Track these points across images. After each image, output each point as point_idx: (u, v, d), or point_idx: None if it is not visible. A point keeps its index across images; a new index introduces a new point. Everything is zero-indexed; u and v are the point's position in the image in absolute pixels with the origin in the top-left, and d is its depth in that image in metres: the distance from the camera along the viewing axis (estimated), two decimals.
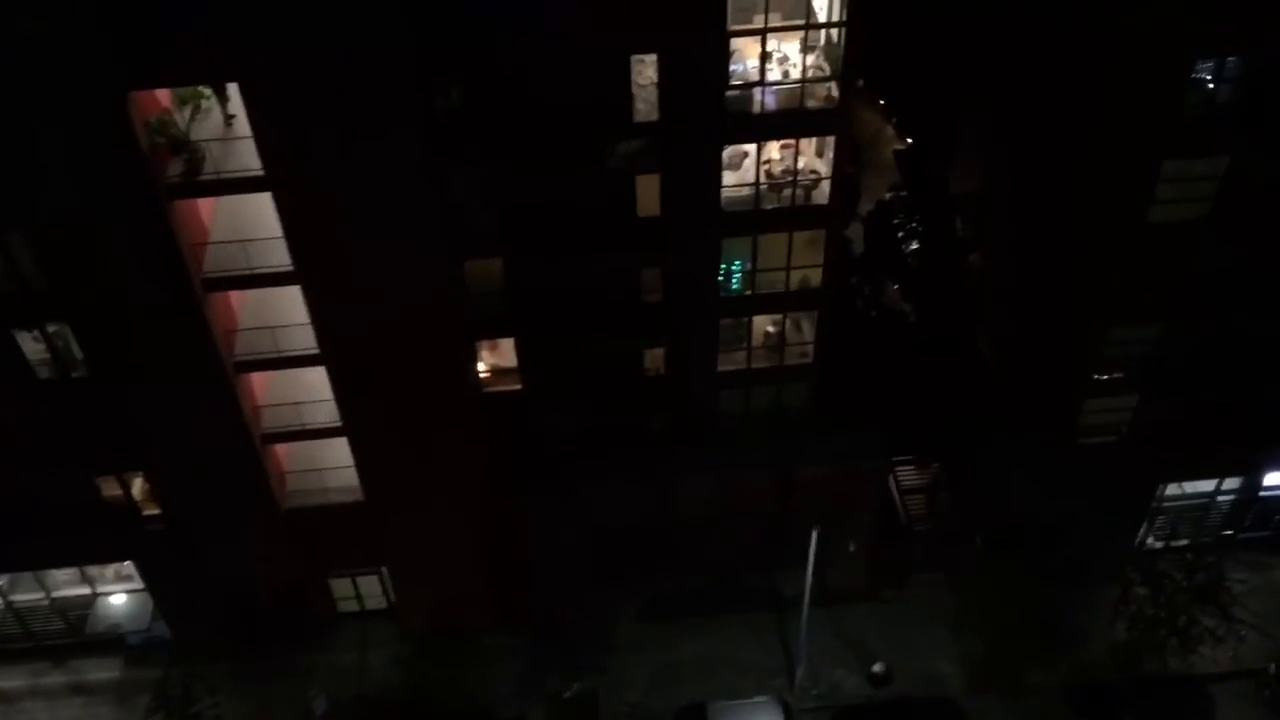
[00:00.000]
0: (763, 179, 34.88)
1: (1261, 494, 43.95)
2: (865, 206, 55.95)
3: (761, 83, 32.61)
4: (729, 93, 32.51)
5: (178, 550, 39.68)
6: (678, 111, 32.27)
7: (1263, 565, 44.48)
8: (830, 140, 34.28)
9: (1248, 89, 33.24)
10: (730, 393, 40.07)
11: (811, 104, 33.16)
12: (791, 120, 33.39)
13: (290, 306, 34.65)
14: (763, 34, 31.62)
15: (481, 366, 38.65)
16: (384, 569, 42.36)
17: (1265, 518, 44.75)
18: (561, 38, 30.24)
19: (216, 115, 32.19)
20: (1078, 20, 36.01)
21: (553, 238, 34.63)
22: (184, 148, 31.21)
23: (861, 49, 31.87)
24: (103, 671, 42.90)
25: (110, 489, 38.26)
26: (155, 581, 41.41)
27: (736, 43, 32.06)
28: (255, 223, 33.26)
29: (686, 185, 34.07)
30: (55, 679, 42.81)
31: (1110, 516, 43.08)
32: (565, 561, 42.03)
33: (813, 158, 35.43)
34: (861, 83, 54.35)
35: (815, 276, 37.21)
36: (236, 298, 35.70)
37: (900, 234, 54.14)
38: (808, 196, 35.33)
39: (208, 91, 32.02)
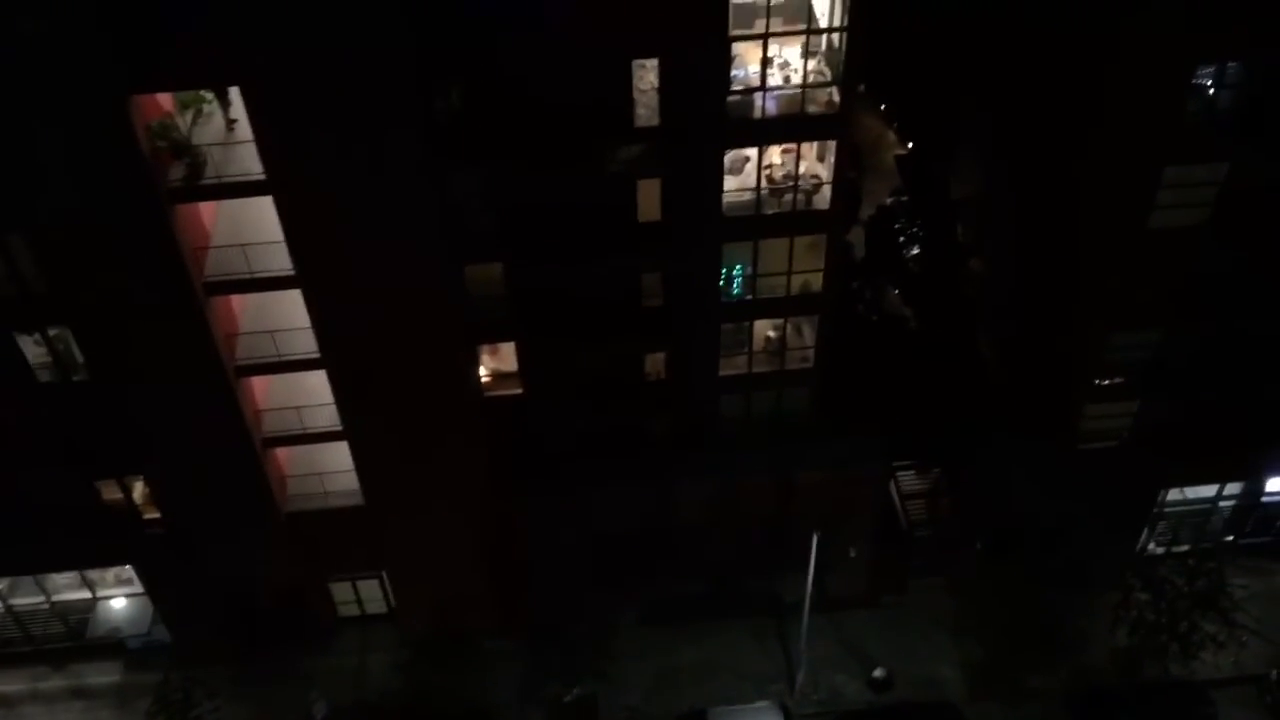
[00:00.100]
0: (764, 184, 34.87)
1: (1263, 499, 43.93)
2: (866, 211, 55.90)
3: (763, 88, 32.63)
4: (730, 97, 32.53)
5: (178, 554, 39.66)
6: (679, 116, 32.29)
7: (1264, 571, 44.45)
8: (831, 145, 34.28)
9: (1248, 95, 33.24)
10: (731, 397, 40.06)
11: (812, 109, 33.17)
12: (793, 125, 33.40)
13: (291, 310, 34.66)
14: (764, 39, 31.63)
15: (482, 370, 38.64)
16: (384, 573, 42.35)
17: (1266, 523, 44.72)
18: (563, 41, 30.27)
19: (218, 119, 32.23)
20: (1078, 26, 36.03)
21: (554, 242, 34.64)
22: (186, 152, 31.23)
23: (863, 54, 31.88)
24: (103, 675, 42.87)
25: (111, 492, 38.25)
26: (155, 585, 41.41)
27: (738, 47, 32.08)
28: (256, 227, 33.29)
29: (688, 190, 34.09)
30: (55, 683, 42.80)
31: (1111, 522, 43.06)
32: (565, 566, 42.00)
33: (814, 162, 35.45)
34: (862, 88, 54.38)
35: (816, 281, 37.22)
36: (237, 301, 35.72)
37: (901, 239, 54.11)
38: (809, 201, 35.35)
39: (209, 95, 32.04)
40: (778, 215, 35.34)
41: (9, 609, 42.40)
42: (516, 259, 35.10)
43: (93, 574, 42.41)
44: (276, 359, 35.33)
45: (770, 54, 32.26)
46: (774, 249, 36.22)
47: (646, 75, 31.89)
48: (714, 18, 30.54)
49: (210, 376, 34.54)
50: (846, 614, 43.62)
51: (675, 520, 41.36)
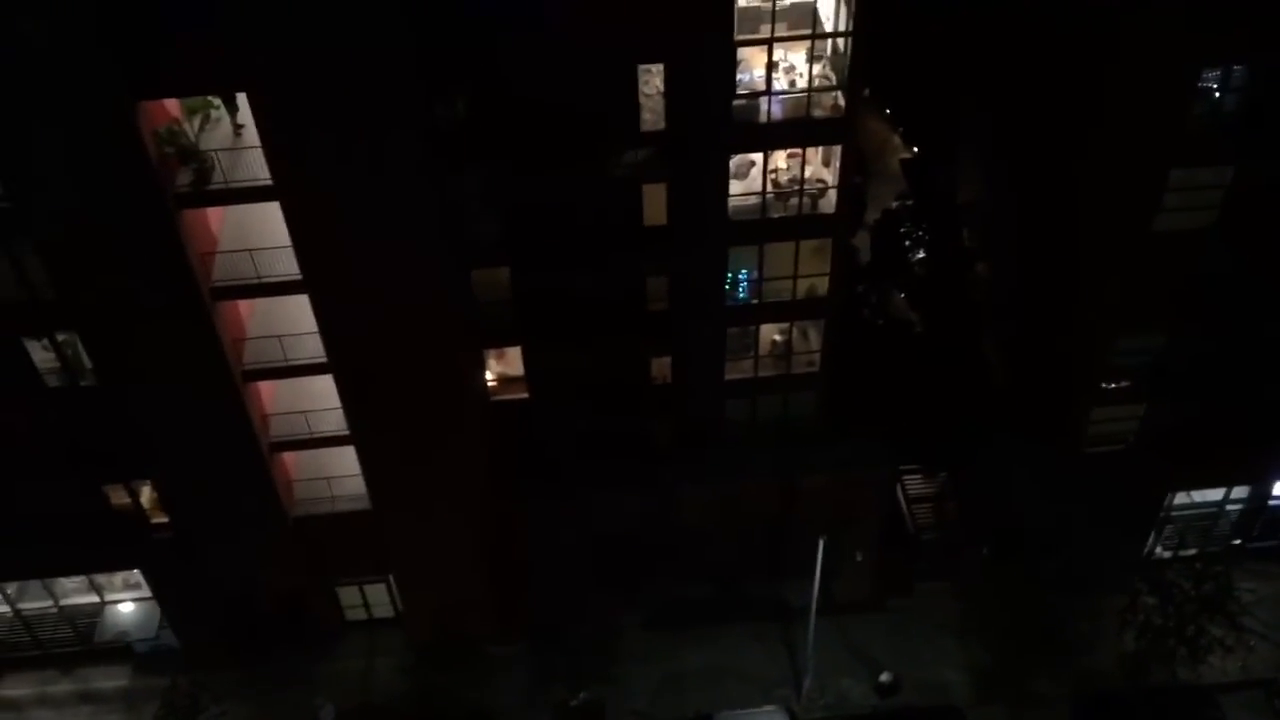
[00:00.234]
0: (769, 188, 34.93)
1: (1270, 503, 43.81)
2: (872, 215, 55.88)
3: (768, 92, 32.69)
4: (735, 102, 32.60)
5: (186, 558, 39.73)
6: (685, 121, 32.36)
7: (1272, 575, 44.31)
8: (836, 149, 34.34)
9: (1253, 97, 33.22)
10: (737, 401, 40.08)
11: (818, 113, 33.22)
12: (798, 129, 33.46)
13: (298, 315, 34.73)
14: (769, 43, 31.70)
15: (489, 375, 38.70)
16: (391, 577, 42.39)
17: (1274, 527, 44.59)
18: (568, 46, 30.34)
19: (225, 125, 32.33)
20: (1083, 28, 36.05)
21: (560, 246, 34.73)
22: (193, 157, 31.33)
23: (867, 58, 31.93)
24: (110, 679, 42.94)
25: (118, 497, 38.35)
26: (163, 589, 41.49)
27: (743, 52, 32.14)
28: (263, 232, 33.38)
29: (693, 194, 34.14)
30: (63, 687, 42.87)
31: (1118, 525, 42.99)
32: (572, 570, 42.02)
33: (819, 167, 35.51)
34: (868, 92, 54.42)
35: (822, 285, 37.26)
36: (245, 306, 35.81)
37: (907, 243, 54.13)
38: (814, 205, 35.40)
39: (216, 101, 32.15)
40: (783, 219, 35.39)
41: (17, 613, 42.48)
42: (522, 263, 35.17)
43: (100, 578, 42.49)
44: (284, 363, 35.40)
45: (775, 58, 32.34)
46: (779, 253, 36.26)
47: (652, 80, 31.98)
48: (719, 22, 30.62)
49: (217, 381, 34.61)
50: (852, 618, 43.57)
51: (680, 524, 41.37)
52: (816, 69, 32.88)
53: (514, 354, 38.26)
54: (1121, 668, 41.38)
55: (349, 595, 43.01)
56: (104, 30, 27.56)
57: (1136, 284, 36.82)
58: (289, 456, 39.05)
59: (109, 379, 34.47)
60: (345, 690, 42.15)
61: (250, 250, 33.12)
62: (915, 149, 59.52)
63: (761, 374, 39.43)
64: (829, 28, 32.28)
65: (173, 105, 31.47)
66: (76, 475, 37.23)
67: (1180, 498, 43.38)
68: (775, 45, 31.86)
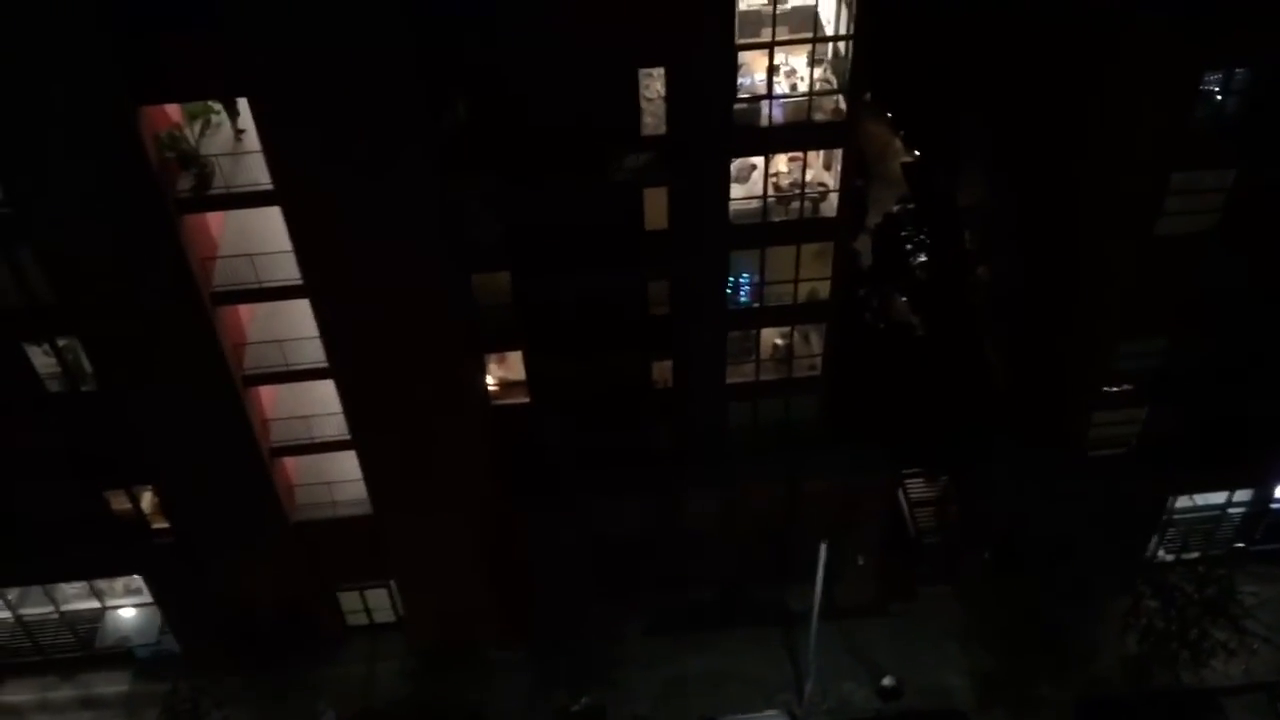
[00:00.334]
0: (770, 192, 34.90)
1: (1273, 505, 43.76)
2: (873, 219, 55.94)
3: (769, 96, 32.66)
4: (736, 106, 32.56)
5: (186, 564, 39.71)
6: (685, 125, 32.32)
7: (1274, 578, 44.20)
8: (838, 153, 34.29)
9: (1255, 99, 33.19)
10: (738, 405, 40.03)
11: (819, 117, 33.18)
12: (799, 133, 33.42)
13: (299, 320, 34.73)
14: (770, 47, 31.67)
15: (489, 379, 38.67)
16: (392, 582, 42.35)
17: (1277, 530, 44.53)
18: (568, 51, 30.32)
19: (226, 130, 32.34)
20: (1085, 31, 36.02)
21: (560, 251, 34.68)
22: (194, 162, 31.36)
23: (869, 62, 31.90)
24: (111, 685, 42.93)
25: (119, 502, 38.35)
26: (164, 595, 41.48)
27: (744, 56, 32.09)
28: (264, 236, 33.38)
29: (694, 198, 34.11)
30: (64, 693, 42.84)
31: (1120, 529, 42.93)
32: (573, 575, 41.97)
33: (820, 170, 35.47)
34: (869, 96, 54.34)
35: (823, 289, 37.20)
36: (245, 311, 35.80)
37: (908, 246, 54.15)
38: (815, 209, 35.35)
39: (217, 106, 32.15)
40: (784, 223, 35.35)
41: (18, 619, 42.47)
42: (523, 267, 35.15)
43: (101, 584, 42.48)
44: (284, 368, 35.39)
45: (776, 62, 32.29)
46: (781, 257, 36.21)
47: (653, 84, 31.95)
48: (720, 25, 30.60)
49: (218, 386, 34.62)
50: (855, 622, 43.51)
51: (682, 529, 41.32)
52: (818, 73, 32.85)
53: (515, 358, 38.21)
54: (1124, 671, 41.31)
55: (350, 600, 42.99)
56: (105, 35, 27.54)
57: (1138, 287, 36.77)
58: (290, 461, 39.04)
59: (110, 384, 34.47)
60: (347, 695, 42.11)
61: (251, 255, 33.12)
62: (916, 152, 59.56)
63: (763, 378, 39.36)
64: (830, 31, 32.24)
65: (174, 110, 31.49)
66: (77, 480, 37.22)
67: (1183, 501, 43.33)
68: (776, 49, 31.80)
